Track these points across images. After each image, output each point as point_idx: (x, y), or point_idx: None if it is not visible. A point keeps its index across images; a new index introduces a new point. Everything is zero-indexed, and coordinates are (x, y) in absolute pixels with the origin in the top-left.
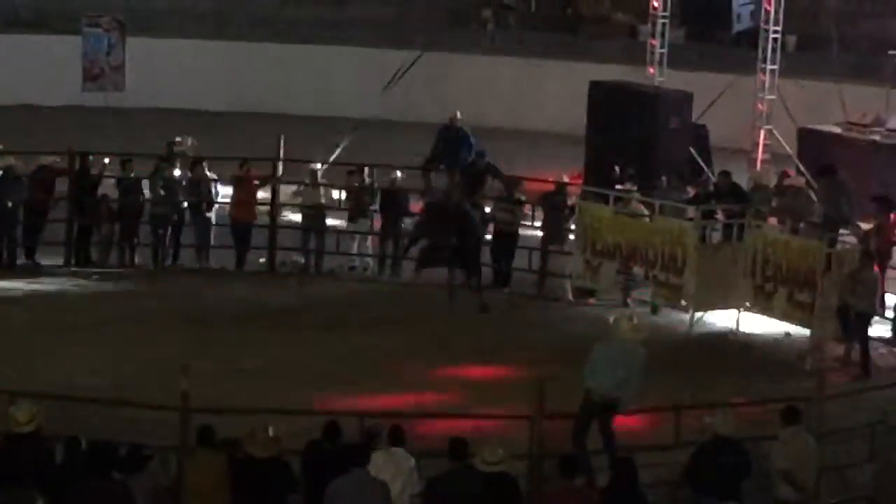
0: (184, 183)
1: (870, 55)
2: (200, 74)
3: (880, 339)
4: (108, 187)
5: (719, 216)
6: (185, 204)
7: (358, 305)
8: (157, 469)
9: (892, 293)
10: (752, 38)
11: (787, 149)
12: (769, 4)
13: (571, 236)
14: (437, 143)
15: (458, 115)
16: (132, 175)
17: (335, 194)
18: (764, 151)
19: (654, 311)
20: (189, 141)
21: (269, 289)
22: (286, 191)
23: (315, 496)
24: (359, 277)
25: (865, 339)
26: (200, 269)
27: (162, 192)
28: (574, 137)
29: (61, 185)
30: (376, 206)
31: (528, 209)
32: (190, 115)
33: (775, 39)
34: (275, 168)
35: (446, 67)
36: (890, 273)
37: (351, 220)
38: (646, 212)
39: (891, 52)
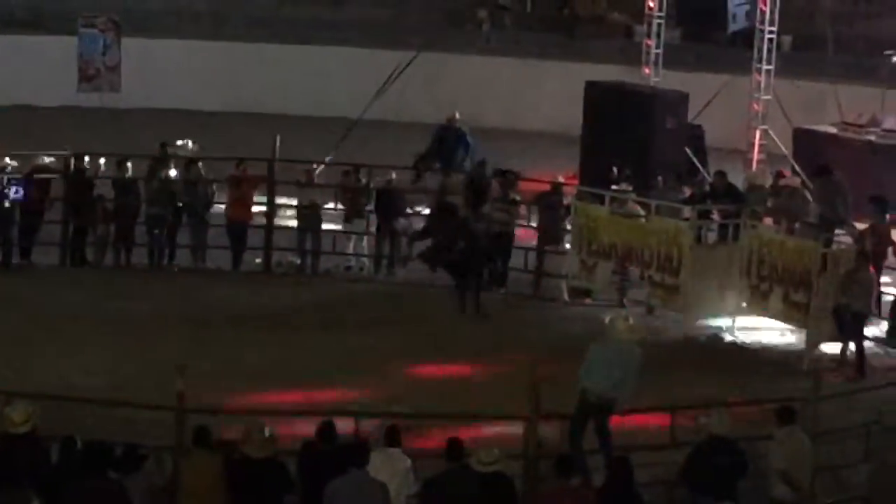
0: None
1: (865, 55)
2: (196, 75)
3: (876, 340)
4: (104, 188)
5: (715, 216)
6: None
7: (354, 306)
8: (152, 469)
9: (887, 293)
10: (747, 38)
11: (783, 149)
12: (764, 5)
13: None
14: (433, 142)
15: (457, 115)
16: (128, 175)
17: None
18: (759, 151)
19: (650, 311)
20: (190, 144)
21: (265, 289)
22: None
23: (312, 497)
24: (355, 278)
25: (861, 340)
26: (196, 270)
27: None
28: (570, 137)
29: (57, 186)
30: (372, 207)
31: (523, 209)
32: (186, 115)
33: (771, 40)
34: (271, 169)
35: (442, 68)
36: (885, 273)
37: (347, 220)
38: (642, 212)
39: (886, 52)
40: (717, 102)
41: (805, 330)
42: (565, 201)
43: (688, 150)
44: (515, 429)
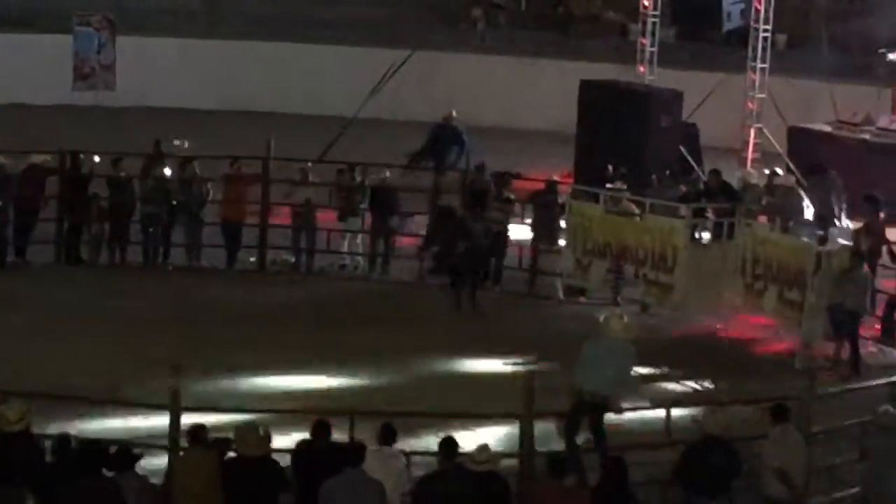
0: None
1: (860, 54)
2: (191, 73)
3: (870, 338)
4: (98, 186)
5: (710, 215)
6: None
7: (349, 304)
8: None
9: (881, 292)
10: (742, 36)
11: (777, 147)
12: (759, 3)
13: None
14: (428, 140)
15: (454, 113)
16: (123, 174)
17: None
18: (754, 150)
19: (645, 309)
20: (186, 143)
21: (259, 288)
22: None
23: (307, 496)
24: (349, 276)
25: (856, 338)
26: (191, 268)
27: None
28: (565, 136)
29: (52, 184)
30: (366, 205)
31: (518, 207)
32: (181, 114)
33: (765, 38)
34: (265, 167)
35: (437, 66)
36: (880, 271)
37: (341, 218)
38: (636, 210)
39: (881, 50)
40: (712, 101)
41: (799, 328)
42: (560, 200)
43: (682, 149)
44: (510, 427)
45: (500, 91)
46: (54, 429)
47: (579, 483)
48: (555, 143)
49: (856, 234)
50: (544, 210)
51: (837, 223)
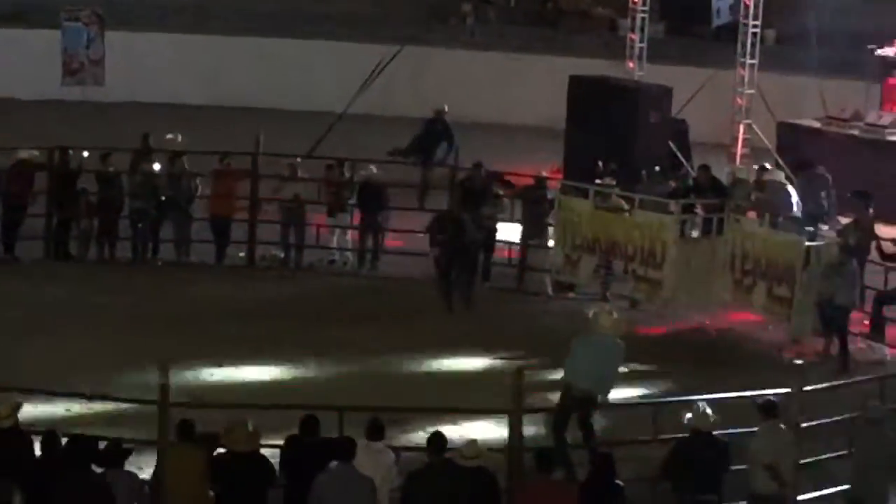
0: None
1: (849, 50)
2: (180, 68)
3: (859, 334)
4: (87, 181)
5: (699, 211)
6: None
7: (338, 300)
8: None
9: (870, 287)
10: (731, 32)
11: (767, 143)
12: None
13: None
14: (419, 135)
15: (446, 108)
16: (111, 169)
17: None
18: (743, 146)
19: (634, 305)
20: (179, 137)
21: (248, 283)
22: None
23: (295, 490)
24: (338, 272)
25: (844, 334)
26: (180, 264)
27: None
28: (554, 132)
29: (40, 180)
30: (355, 200)
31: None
32: (170, 109)
33: (754, 34)
34: (254, 163)
35: (426, 62)
36: (868, 267)
37: (330, 214)
38: (625, 206)
39: (870, 46)
40: (701, 97)
41: (789, 324)
42: (549, 195)
43: (671, 145)
44: (498, 423)
45: (489, 86)
46: (43, 424)
47: (568, 478)
48: (544, 139)
49: (844, 230)
50: (533, 206)
51: (826, 219)
